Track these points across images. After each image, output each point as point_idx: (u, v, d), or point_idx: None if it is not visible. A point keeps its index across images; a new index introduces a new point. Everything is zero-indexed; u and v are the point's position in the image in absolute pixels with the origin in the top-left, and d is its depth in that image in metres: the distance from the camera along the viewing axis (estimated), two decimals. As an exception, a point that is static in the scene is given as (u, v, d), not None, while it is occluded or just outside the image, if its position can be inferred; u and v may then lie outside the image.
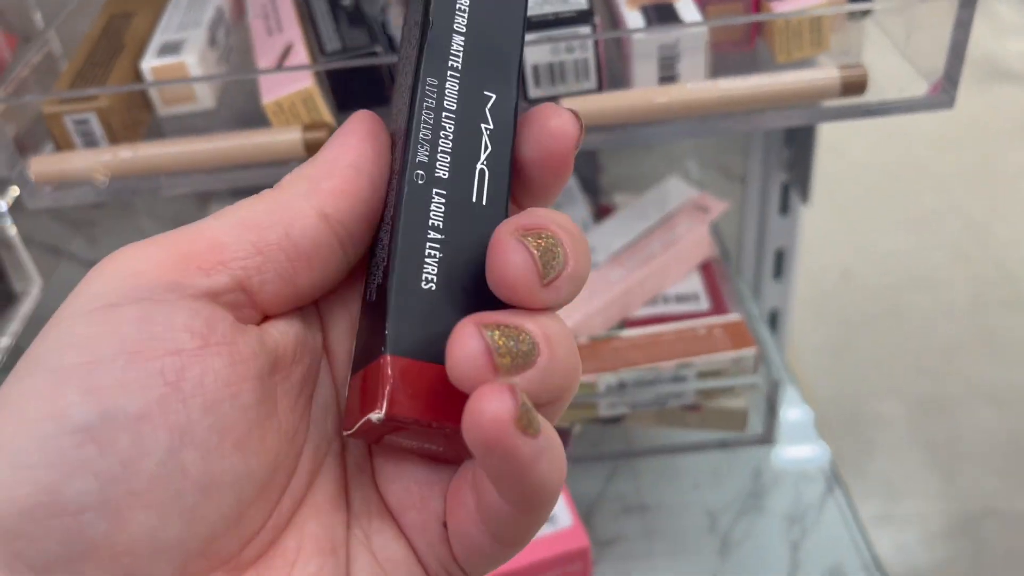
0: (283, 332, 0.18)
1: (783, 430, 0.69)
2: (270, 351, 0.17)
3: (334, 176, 0.18)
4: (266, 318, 0.18)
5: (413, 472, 0.19)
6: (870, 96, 0.44)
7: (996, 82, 1.74)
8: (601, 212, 0.67)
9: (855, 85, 0.41)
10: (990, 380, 1.23)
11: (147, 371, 0.15)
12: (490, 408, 0.15)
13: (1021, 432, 1.17)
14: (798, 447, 0.69)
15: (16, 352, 0.78)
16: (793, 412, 0.71)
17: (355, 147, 0.18)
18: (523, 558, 0.53)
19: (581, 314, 0.57)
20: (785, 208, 0.76)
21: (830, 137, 0.71)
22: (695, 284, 0.60)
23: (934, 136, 1.63)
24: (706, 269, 0.62)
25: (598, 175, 0.71)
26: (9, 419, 0.15)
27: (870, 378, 1.24)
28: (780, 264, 0.80)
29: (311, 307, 0.19)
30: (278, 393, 0.17)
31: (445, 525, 0.19)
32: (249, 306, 0.17)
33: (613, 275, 0.59)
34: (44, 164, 0.42)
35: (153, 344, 0.15)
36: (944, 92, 0.43)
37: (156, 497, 0.15)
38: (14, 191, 0.53)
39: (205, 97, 0.46)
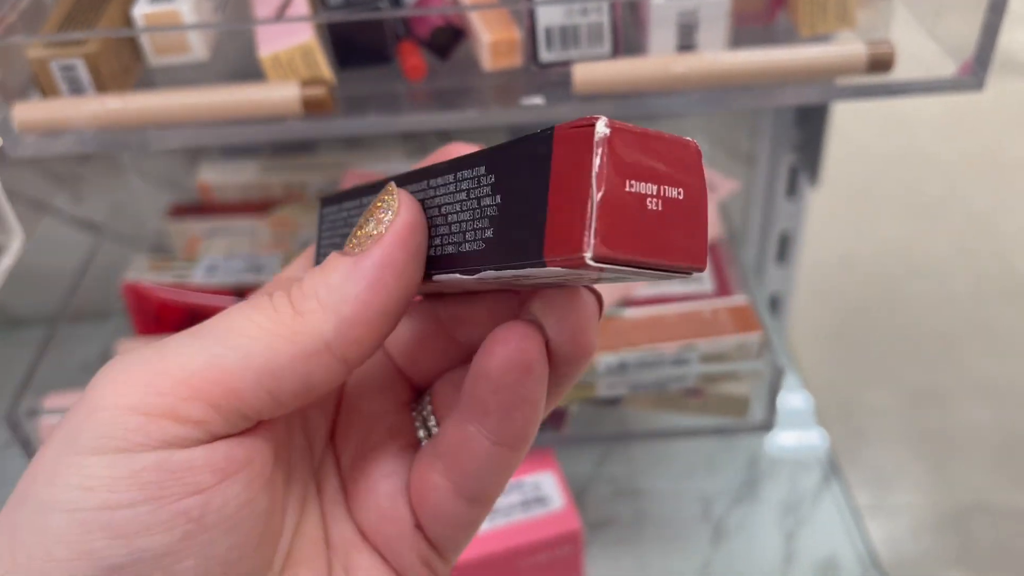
0: (277, 424, 0.19)
1: (781, 418, 0.68)
2: (273, 448, 0.19)
3: (364, 324, 0.18)
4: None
5: (378, 490, 0.21)
6: (895, 75, 0.42)
7: (1005, 73, 1.72)
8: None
9: (882, 62, 0.40)
10: (986, 373, 1.22)
11: (171, 513, 0.16)
12: (525, 343, 0.18)
13: (1015, 427, 1.16)
14: (796, 435, 0.67)
15: (3, 306, 0.76)
16: (793, 400, 0.70)
17: (389, 286, 0.18)
18: (513, 539, 0.51)
19: (582, 291, 0.55)
20: (792, 191, 0.74)
21: (835, 122, 0.69)
22: (700, 265, 0.59)
23: (940, 125, 1.62)
24: (712, 250, 0.60)
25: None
26: (42, 554, 0.16)
27: (866, 366, 1.23)
28: (784, 248, 0.78)
29: None
30: (277, 479, 0.19)
31: (417, 525, 0.21)
32: (250, 424, 0.18)
33: (616, 252, 0.57)
34: (28, 112, 0.40)
35: (175, 489, 0.16)
36: (974, 74, 0.41)
37: None
38: (-3, 140, 0.50)
39: (199, 47, 0.43)
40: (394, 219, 0.18)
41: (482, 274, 0.18)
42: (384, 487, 0.21)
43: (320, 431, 0.22)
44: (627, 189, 0.16)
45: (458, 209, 0.19)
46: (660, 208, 0.17)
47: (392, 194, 0.19)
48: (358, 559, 0.21)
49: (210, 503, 0.17)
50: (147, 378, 0.17)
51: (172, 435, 0.16)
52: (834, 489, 0.63)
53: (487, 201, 0.18)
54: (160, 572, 0.16)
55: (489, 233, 0.18)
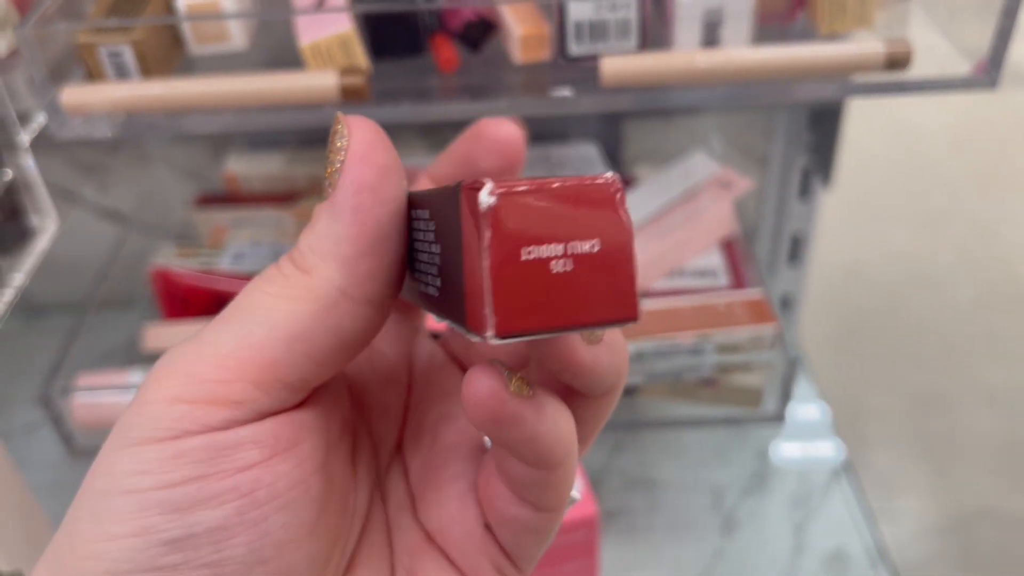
0: (328, 408, 0.19)
1: (793, 411, 0.69)
2: (325, 434, 0.19)
3: (367, 253, 0.18)
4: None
5: (449, 492, 0.21)
6: (912, 73, 0.43)
7: (1011, 85, 1.74)
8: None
9: (899, 60, 0.41)
10: (991, 380, 1.23)
11: (223, 487, 0.16)
12: (483, 383, 0.16)
13: (1019, 433, 1.17)
14: (812, 446, 0.69)
15: (26, 290, 0.77)
16: (808, 410, 0.71)
17: (371, 207, 0.18)
18: (530, 522, 0.53)
19: (600, 283, 0.56)
20: (805, 192, 0.76)
21: (843, 130, 0.71)
22: (715, 260, 0.60)
23: (946, 136, 1.63)
24: (727, 246, 0.61)
25: (620, 147, 0.71)
26: (100, 535, 0.16)
27: (870, 373, 1.24)
28: (796, 249, 0.79)
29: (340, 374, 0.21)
30: (336, 467, 0.19)
31: (487, 526, 0.20)
32: (299, 397, 0.18)
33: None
34: (76, 94, 0.42)
35: (225, 466, 0.17)
36: (987, 74, 0.43)
37: None
38: (38, 124, 0.52)
39: (238, 36, 0.45)
40: (348, 143, 0.18)
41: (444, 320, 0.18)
42: (453, 489, 0.21)
43: (387, 440, 0.23)
44: (524, 258, 0.15)
45: (424, 247, 0.18)
46: (570, 268, 0.16)
47: (340, 123, 0.18)
48: (424, 563, 0.20)
49: (261, 479, 0.17)
50: (186, 368, 0.17)
51: (217, 419, 0.17)
52: (843, 483, 0.65)
53: (434, 248, 0.18)
54: (211, 547, 0.16)
55: (438, 282, 0.18)
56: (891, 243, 1.43)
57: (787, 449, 0.68)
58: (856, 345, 1.26)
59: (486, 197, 0.15)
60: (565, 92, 0.43)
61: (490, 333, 0.15)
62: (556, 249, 0.15)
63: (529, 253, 0.15)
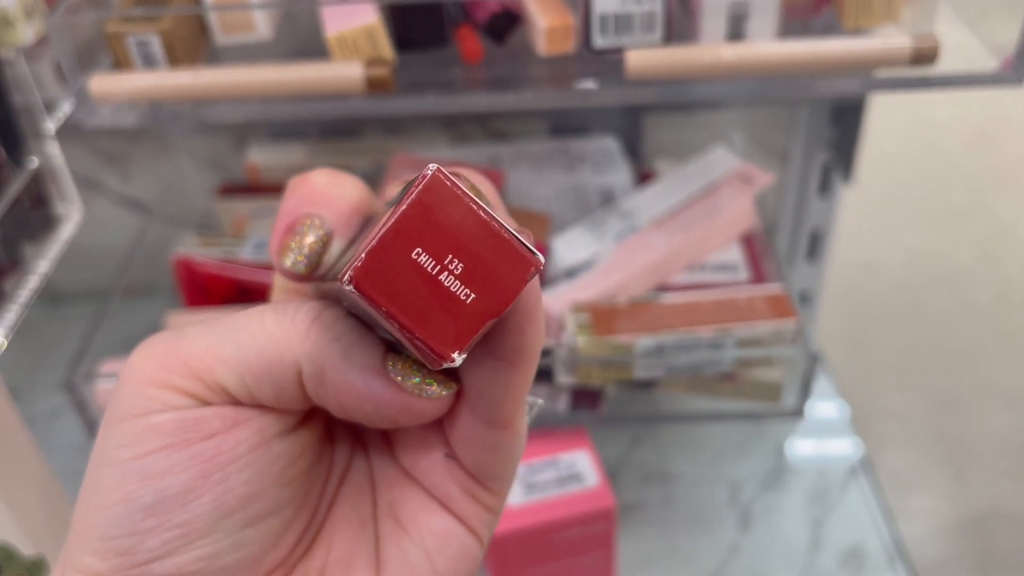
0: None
1: (811, 408, 0.69)
2: (288, 420, 0.20)
3: (321, 347, 0.19)
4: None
5: (414, 428, 0.22)
6: (938, 69, 0.43)
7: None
8: (641, 178, 0.67)
9: (926, 55, 0.41)
10: (1008, 381, 1.22)
11: (188, 455, 0.19)
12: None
13: (1036, 434, 1.16)
14: (830, 444, 0.69)
15: (50, 279, 0.78)
16: (821, 390, 0.71)
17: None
18: (547, 514, 0.53)
19: (620, 276, 0.56)
20: (825, 188, 0.75)
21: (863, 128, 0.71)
22: (735, 255, 0.60)
23: (967, 133, 1.62)
24: (747, 241, 0.61)
25: (640, 141, 0.71)
26: (92, 506, 0.19)
27: (887, 371, 1.24)
28: (815, 246, 0.79)
29: None
30: (305, 436, 0.21)
31: (449, 454, 0.22)
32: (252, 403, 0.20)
33: (653, 239, 0.58)
34: (105, 83, 0.42)
35: (190, 435, 0.19)
36: (1015, 70, 0.43)
37: (208, 540, 0.19)
38: (64, 113, 0.52)
39: (263, 26, 0.45)
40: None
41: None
42: (420, 428, 0.22)
43: None
44: (413, 255, 0.16)
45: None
46: (438, 288, 0.17)
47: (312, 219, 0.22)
48: (402, 493, 0.22)
49: (222, 444, 0.19)
50: (162, 356, 0.19)
51: (182, 403, 0.19)
52: (861, 479, 0.64)
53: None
54: (180, 508, 0.18)
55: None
56: (910, 241, 1.43)
57: (805, 445, 0.68)
58: (873, 343, 1.26)
59: (440, 176, 0.16)
60: (589, 85, 0.43)
61: (348, 277, 0.16)
62: (447, 278, 0.17)
63: (419, 254, 0.16)
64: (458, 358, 0.17)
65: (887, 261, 1.39)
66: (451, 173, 0.17)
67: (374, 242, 0.16)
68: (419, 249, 0.16)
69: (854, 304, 1.32)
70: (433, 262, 0.16)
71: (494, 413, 0.20)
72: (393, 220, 0.16)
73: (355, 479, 0.23)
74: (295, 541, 0.21)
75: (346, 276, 0.16)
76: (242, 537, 0.19)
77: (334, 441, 0.23)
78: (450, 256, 0.17)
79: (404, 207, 0.16)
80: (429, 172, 0.16)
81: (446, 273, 0.17)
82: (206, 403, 0.19)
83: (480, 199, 0.17)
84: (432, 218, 0.16)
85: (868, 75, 0.44)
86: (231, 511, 0.19)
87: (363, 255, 0.16)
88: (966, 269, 1.37)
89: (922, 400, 1.20)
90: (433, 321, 0.17)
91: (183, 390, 0.19)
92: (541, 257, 0.17)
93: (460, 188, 0.17)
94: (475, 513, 0.22)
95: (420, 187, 0.16)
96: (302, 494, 0.21)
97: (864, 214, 1.43)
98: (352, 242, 0.21)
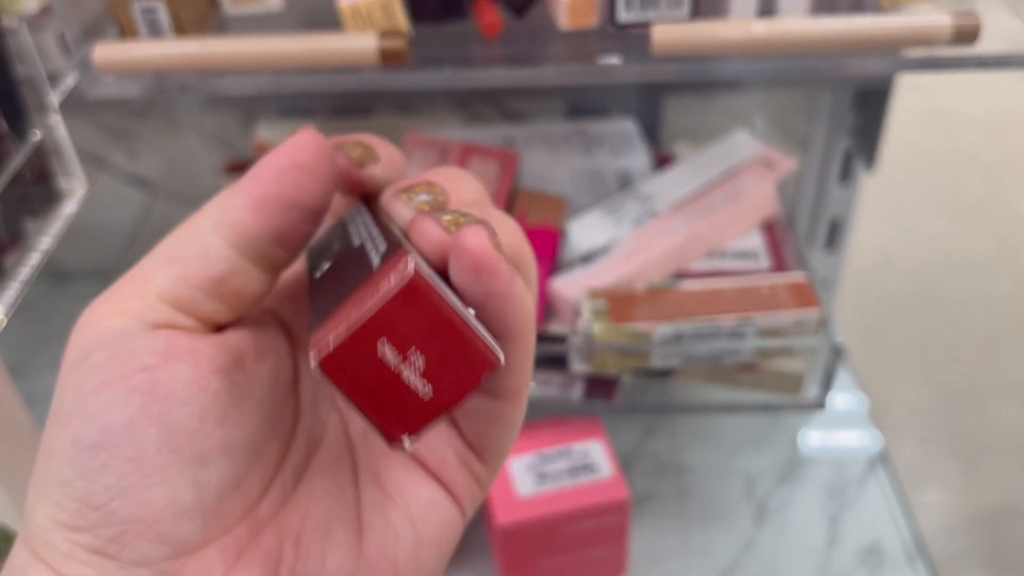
0: (242, 336, 0.21)
1: (835, 419, 0.67)
2: (231, 351, 0.20)
3: (245, 208, 0.20)
4: (224, 326, 0.21)
5: None
6: (977, 49, 0.41)
7: (1054, 75, 1.69)
8: (660, 162, 0.65)
9: (967, 33, 0.39)
10: (1023, 375, 1.20)
11: (124, 389, 0.19)
12: (473, 236, 0.18)
13: (1052, 430, 1.14)
14: (849, 435, 0.67)
15: (53, 257, 0.77)
16: (840, 383, 0.69)
17: (277, 175, 0.20)
18: (560, 505, 0.52)
19: (638, 262, 0.55)
20: (846, 176, 0.74)
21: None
22: (756, 241, 0.58)
23: (985, 126, 1.60)
24: (768, 228, 0.60)
25: (659, 124, 0.69)
26: (46, 457, 0.19)
27: (901, 363, 1.22)
28: (833, 234, 0.77)
29: (269, 316, 0.23)
30: (252, 382, 0.21)
31: (448, 422, 0.22)
32: (198, 323, 0.20)
33: (672, 225, 0.57)
34: (108, 52, 0.40)
35: (122, 371, 0.19)
36: (1058, 50, 0.41)
37: (162, 476, 0.19)
38: (68, 85, 0.51)
39: (275, -3, 0.44)
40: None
41: None
42: None
43: None
44: (377, 351, 0.17)
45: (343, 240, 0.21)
46: (398, 382, 0.17)
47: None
48: (389, 464, 0.22)
49: (157, 379, 0.19)
50: (101, 307, 0.20)
51: (115, 335, 0.19)
52: (880, 473, 0.63)
53: (350, 249, 0.20)
54: (129, 440, 0.19)
55: (327, 270, 0.21)
56: (926, 232, 1.40)
57: (822, 438, 0.66)
58: (888, 335, 1.24)
59: (419, 279, 0.17)
60: (613, 60, 0.41)
61: (314, 356, 0.17)
62: (409, 358, 0.17)
63: (382, 346, 0.17)
64: (409, 445, 0.18)
65: (903, 252, 1.37)
66: (425, 273, 0.17)
67: (343, 333, 0.17)
68: (385, 340, 0.17)
69: (869, 295, 1.30)
70: (397, 355, 0.17)
71: (500, 384, 0.20)
72: (365, 315, 0.17)
73: (331, 448, 0.23)
74: (258, 494, 0.21)
75: (313, 352, 0.17)
76: (197, 477, 0.19)
77: (299, 406, 0.23)
78: (414, 348, 0.17)
79: (378, 305, 0.17)
80: (408, 271, 0.17)
81: (408, 367, 0.17)
82: (146, 324, 0.19)
83: (447, 298, 0.17)
84: (403, 315, 0.17)
85: (899, 55, 0.42)
86: (179, 446, 0.19)
87: (331, 342, 0.17)
88: (982, 261, 1.35)
89: (936, 393, 1.18)
90: (390, 410, 0.18)
91: (124, 311, 0.20)
92: (501, 355, 0.18)
93: (434, 289, 0.17)
94: (465, 484, 0.22)
95: (397, 288, 0.17)
96: (255, 443, 0.21)
97: (880, 204, 1.41)
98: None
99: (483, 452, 0.22)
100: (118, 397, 0.19)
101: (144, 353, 0.19)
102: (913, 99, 1.61)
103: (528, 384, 0.21)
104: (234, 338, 0.21)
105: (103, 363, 0.19)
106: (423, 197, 0.21)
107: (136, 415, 0.19)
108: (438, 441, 0.22)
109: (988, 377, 1.20)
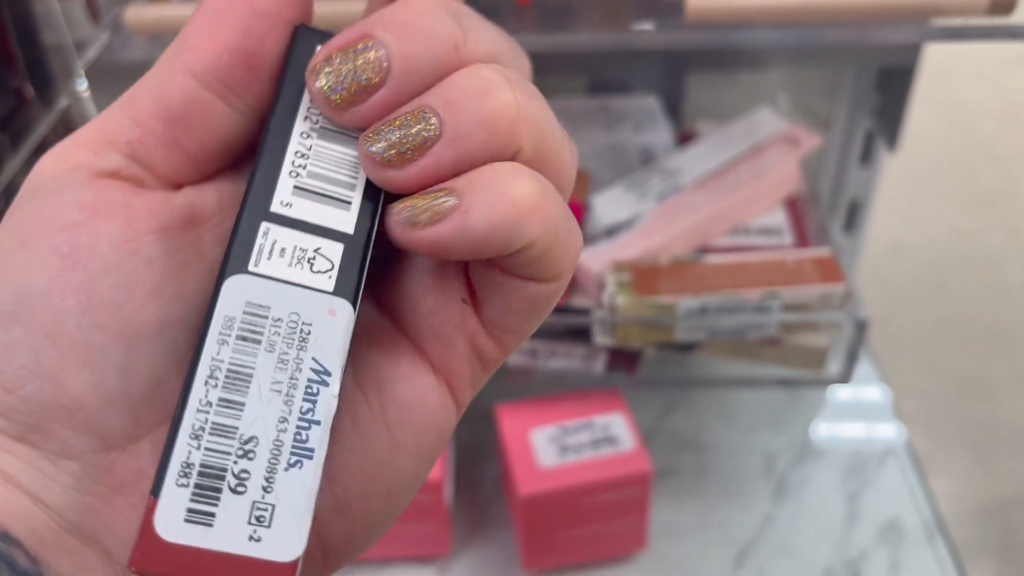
0: (201, 194, 0.18)
1: (857, 410, 0.67)
2: (179, 210, 0.18)
3: (202, 31, 0.17)
4: (181, 186, 0.18)
5: (422, 265, 0.19)
6: (1014, 19, 0.41)
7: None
8: (682, 139, 0.65)
9: (1004, 4, 0.39)
10: (1037, 365, 1.20)
11: (43, 251, 0.16)
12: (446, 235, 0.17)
13: (1064, 420, 1.14)
14: (863, 397, 0.67)
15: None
16: (870, 392, 0.69)
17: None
18: (581, 476, 0.52)
19: (661, 237, 0.55)
20: (867, 157, 0.73)
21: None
22: (779, 218, 0.58)
23: (1000, 117, 1.59)
24: (791, 205, 0.60)
25: (682, 101, 0.69)
26: None
27: (912, 352, 1.22)
28: (852, 217, 0.77)
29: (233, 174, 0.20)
30: (204, 244, 0.18)
31: (465, 300, 0.19)
32: (151, 176, 0.18)
33: (696, 200, 0.57)
34: (141, 13, 0.40)
35: (44, 227, 0.16)
36: (1094, 21, 0.41)
37: (83, 356, 0.16)
38: (96, 50, 0.51)
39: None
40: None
41: None
42: (429, 263, 0.19)
43: None
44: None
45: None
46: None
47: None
48: (369, 347, 0.19)
49: (78, 239, 0.16)
50: (49, 155, 0.18)
51: (49, 184, 0.17)
52: (900, 453, 0.63)
53: None
54: (45, 308, 0.16)
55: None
56: (938, 222, 1.40)
57: (841, 417, 0.66)
58: (899, 324, 1.24)
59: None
60: (647, 26, 0.41)
61: (138, 559, 0.16)
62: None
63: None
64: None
65: (915, 241, 1.36)
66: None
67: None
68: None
69: (881, 284, 1.30)
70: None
71: (540, 267, 0.18)
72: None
73: None
74: None
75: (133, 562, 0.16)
76: (125, 359, 0.17)
77: None
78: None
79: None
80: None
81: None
82: (91, 173, 0.17)
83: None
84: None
85: (927, 24, 0.42)
86: (102, 321, 0.16)
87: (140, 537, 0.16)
88: (996, 251, 1.35)
89: (947, 382, 1.18)
90: None
91: (72, 159, 0.17)
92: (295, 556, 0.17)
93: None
94: (469, 373, 0.19)
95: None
96: (193, 319, 0.18)
97: (892, 193, 1.40)
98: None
99: (503, 334, 0.19)
100: (36, 259, 0.16)
101: (71, 207, 0.17)
102: (927, 89, 1.60)
103: (573, 265, 0.18)
104: (189, 196, 0.18)
105: (27, 218, 0.17)
106: (394, 136, 0.17)
107: (54, 282, 0.16)
108: (449, 324, 0.19)
109: (999, 367, 1.20)
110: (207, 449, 0.16)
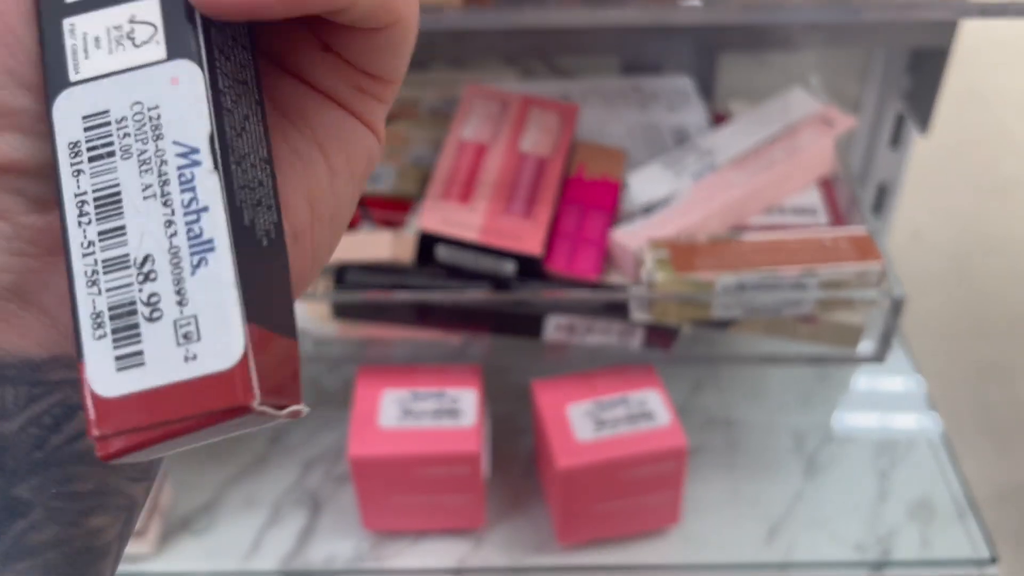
0: None
1: (891, 401, 0.68)
2: None
3: None
4: None
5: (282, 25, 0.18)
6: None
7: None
8: (715, 120, 0.65)
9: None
10: (1056, 351, 1.20)
11: None
12: None
13: (1084, 405, 1.14)
14: (908, 418, 0.67)
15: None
16: (904, 383, 0.69)
17: None
18: (618, 450, 0.52)
19: (699, 214, 0.55)
20: (897, 140, 0.74)
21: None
22: (814, 198, 0.59)
23: (1020, 103, 1.58)
24: (825, 185, 0.60)
25: (714, 82, 0.69)
26: None
27: (930, 338, 1.22)
28: (881, 199, 0.78)
29: None
30: None
31: (324, 49, 0.19)
32: None
33: (732, 178, 0.57)
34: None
35: None
36: None
37: (10, 121, 0.16)
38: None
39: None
40: None
41: None
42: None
43: None
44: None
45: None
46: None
47: None
48: (283, 90, 0.19)
49: None
50: None
51: None
52: (931, 431, 0.63)
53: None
54: None
55: None
56: (957, 208, 1.40)
57: (872, 396, 0.67)
58: (918, 309, 1.24)
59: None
60: (695, 2, 0.41)
61: (96, 432, 0.15)
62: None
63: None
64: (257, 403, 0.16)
65: (934, 228, 1.36)
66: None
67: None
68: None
69: (900, 270, 1.30)
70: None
71: (372, 13, 0.17)
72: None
73: None
74: None
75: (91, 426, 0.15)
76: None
77: None
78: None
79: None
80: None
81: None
82: None
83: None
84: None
85: (964, 1, 0.42)
86: (29, 82, 0.16)
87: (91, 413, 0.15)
88: (1014, 237, 1.35)
89: (966, 368, 1.18)
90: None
91: None
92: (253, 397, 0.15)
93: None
94: (366, 106, 0.20)
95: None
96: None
97: (912, 181, 1.40)
98: None
99: (379, 74, 0.19)
100: None
101: None
102: (947, 76, 1.60)
103: (408, 8, 0.18)
104: None
105: None
106: None
107: None
108: (321, 74, 0.19)
109: (1020, 352, 1.20)
110: (108, 290, 0.15)
